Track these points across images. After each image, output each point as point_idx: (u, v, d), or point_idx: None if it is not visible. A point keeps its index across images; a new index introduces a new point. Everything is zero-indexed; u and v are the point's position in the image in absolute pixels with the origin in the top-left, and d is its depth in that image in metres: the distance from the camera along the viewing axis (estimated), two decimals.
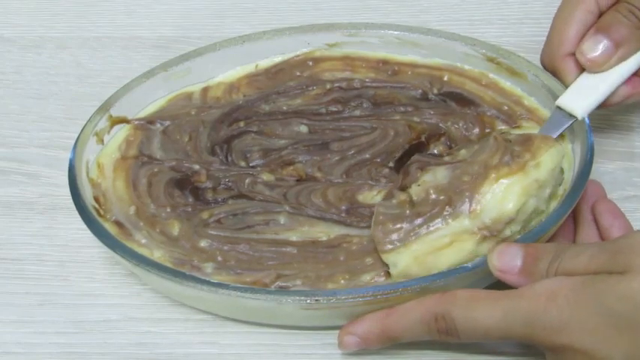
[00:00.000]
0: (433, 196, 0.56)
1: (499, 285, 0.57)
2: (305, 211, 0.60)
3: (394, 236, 0.56)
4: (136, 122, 0.66)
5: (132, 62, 0.77)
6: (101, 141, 0.64)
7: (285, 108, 0.68)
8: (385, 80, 0.69)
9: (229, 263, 0.57)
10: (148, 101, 0.67)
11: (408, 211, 0.57)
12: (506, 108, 0.66)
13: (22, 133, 0.72)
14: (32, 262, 0.61)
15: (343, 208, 0.60)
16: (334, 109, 0.67)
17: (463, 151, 0.60)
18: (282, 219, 0.59)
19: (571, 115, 0.61)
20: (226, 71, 0.70)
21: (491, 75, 0.67)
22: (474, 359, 0.56)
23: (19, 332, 0.57)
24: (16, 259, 0.62)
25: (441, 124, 0.65)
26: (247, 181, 0.62)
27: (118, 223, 0.59)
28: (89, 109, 0.65)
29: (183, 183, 0.62)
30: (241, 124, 0.66)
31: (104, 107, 0.65)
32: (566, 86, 0.62)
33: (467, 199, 0.55)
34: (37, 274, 0.61)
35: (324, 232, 0.59)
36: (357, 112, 0.67)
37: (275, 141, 0.65)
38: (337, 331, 0.55)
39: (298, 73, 0.70)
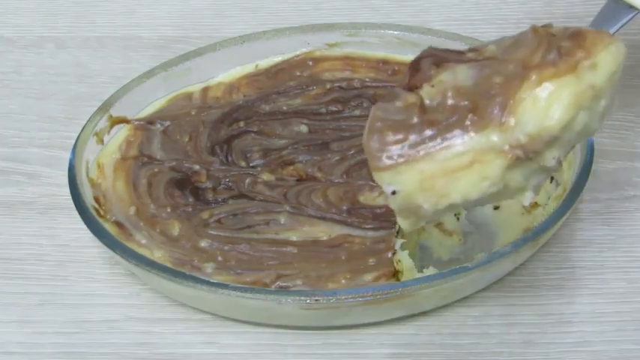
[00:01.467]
0: (452, 101, 0.46)
1: (502, 285, 0.57)
2: (305, 211, 0.60)
3: (395, 149, 0.45)
4: (136, 122, 0.66)
5: (132, 62, 0.77)
6: (101, 141, 0.64)
7: (285, 108, 0.68)
8: (385, 80, 0.69)
9: (230, 263, 0.57)
10: (148, 101, 0.67)
11: (416, 118, 0.46)
12: None
13: (22, 133, 0.72)
14: (32, 262, 0.61)
15: (344, 208, 0.60)
16: (334, 108, 0.67)
17: (492, 47, 0.49)
18: (282, 219, 0.59)
19: (631, 6, 0.53)
20: (226, 71, 0.70)
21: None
22: None
23: (19, 332, 0.57)
24: (16, 259, 0.62)
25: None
26: (247, 181, 0.62)
27: (118, 224, 0.59)
28: (89, 109, 0.65)
29: (184, 183, 0.62)
30: (241, 124, 0.66)
31: (104, 107, 0.65)
32: None
33: (497, 107, 0.44)
34: (37, 274, 0.61)
35: (324, 231, 0.59)
36: (357, 112, 0.67)
37: (275, 141, 0.65)
38: (337, 331, 0.55)
39: (298, 73, 0.70)
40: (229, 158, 0.64)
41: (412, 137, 0.45)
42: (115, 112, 0.65)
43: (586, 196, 0.62)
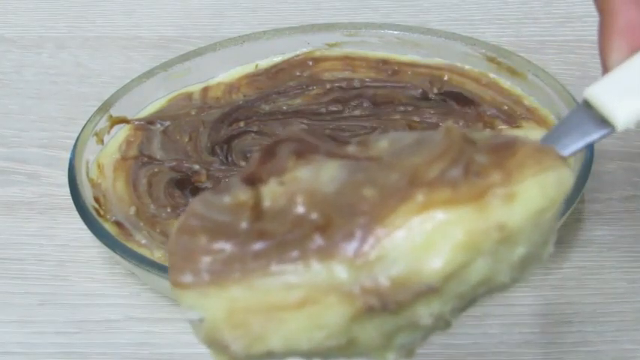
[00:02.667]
0: (300, 209, 0.33)
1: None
2: None
3: (205, 262, 0.33)
4: (136, 122, 0.66)
5: (132, 62, 0.77)
6: (101, 141, 0.64)
7: (285, 108, 0.68)
8: (385, 80, 0.69)
9: None
10: (148, 101, 0.67)
11: (244, 223, 0.34)
12: (506, 108, 0.66)
13: (22, 133, 0.72)
14: (32, 262, 0.61)
15: None
16: (334, 108, 0.67)
17: (383, 143, 0.36)
18: None
19: (604, 121, 0.37)
20: (226, 71, 0.70)
21: (491, 75, 0.67)
22: None
23: (19, 332, 0.57)
24: (16, 259, 0.62)
25: (441, 124, 0.65)
26: None
27: (118, 224, 0.59)
28: (89, 109, 0.65)
29: (184, 183, 0.62)
30: (241, 124, 0.66)
31: (104, 107, 0.65)
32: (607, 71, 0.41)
33: (358, 230, 0.32)
34: (37, 274, 0.61)
35: None
36: (357, 112, 0.67)
37: None
38: None
39: (298, 73, 0.70)
40: (229, 158, 0.64)
41: (232, 249, 0.33)
42: (115, 112, 0.65)
43: (586, 196, 0.62)
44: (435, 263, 0.32)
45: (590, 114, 0.38)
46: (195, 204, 0.35)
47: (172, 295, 0.35)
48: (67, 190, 0.59)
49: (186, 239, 0.34)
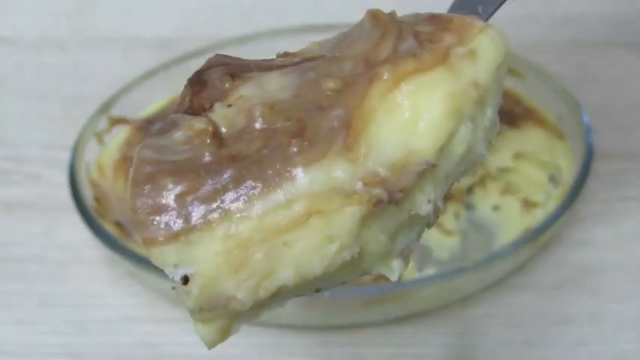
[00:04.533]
0: (262, 123, 0.30)
1: (502, 285, 0.57)
2: None
3: (179, 207, 0.30)
4: (136, 123, 0.66)
5: (132, 62, 0.77)
6: (101, 141, 0.64)
7: None
8: None
9: None
10: (148, 101, 0.67)
11: (208, 155, 0.30)
12: (506, 108, 0.66)
13: (22, 133, 0.72)
14: (32, 262, 0.61)
15: None
16: None
17: (313, 46, 0.35)
18: None
19: None
20: None
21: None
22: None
23: (19, 332, 0.57)
24: (16, 259, 0.62)
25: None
26: None
27: (119, 224, 0.59)
28: (89, 109, 0.65)
29: None
30: None
31: (104, 107, 0.65)
32: None
33: (337, 124, 0.30)
34: (37, 274, 0.61)
35: None
36: None
37: None
38: (337, 331, 0.55)
39: None
40: None
41: (206, 185, 0.29)
42: (115, 112, 0.65)
43: (586, 196, 0.62)
44: (428, 136, 0.31)
45: None
46: (142, 151, 0.31)
47: (151, 258, 0.30)
48: (67, 190, 0.59)
49: (149, 189, 0.30)
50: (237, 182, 0.30)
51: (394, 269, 0.32)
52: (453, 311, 0.56)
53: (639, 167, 0.66)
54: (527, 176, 0.61)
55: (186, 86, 0.33)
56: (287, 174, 0.29)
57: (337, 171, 0.30)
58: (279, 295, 0.31)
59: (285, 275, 0.30)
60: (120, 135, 0.65)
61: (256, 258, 0.29)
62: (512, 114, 0.65)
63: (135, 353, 0.56)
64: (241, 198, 0.29)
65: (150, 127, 0.66)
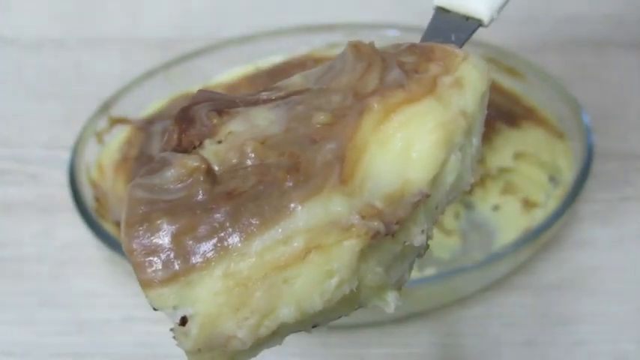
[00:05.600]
0: (254, 159, 0.30)
1: (502, 285, 0.57)
2: None
3: (175, 246, 0.29)
4: (136, 123, 0.66)
5: (132, 62, 0.77)
6: (101, 141, 0.64)
7: None
8: None
9: None
10: (148, 101, 0.67)
11: (202, 193, 0.30)
12: (506, 108, 0.66)
13: (22, 133, 0.72)
14: (32, 262, 0.61)
15: None
16: None
17: (296, 78, 0.35)
18: None
19: (468, 18, 0.39)
20: (226, 71, 0.70)
21: (491, 75, 0.67)
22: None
23: (19, 332, 0.57)
24: (16, 259, 0.62)
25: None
26: None
27: (119, 224, 0.59)
28: (89, 109, 0.65)
29: None
30: None
31: (104, 107, 0.65)
32: None
33: (331, 158, 0.30)
34: (37, 274, 0.61)
35: None
36: None
37: None
38: (337, 331, 0.55)
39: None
40: None
41: (203, 223, 0.29)
42: (115, 112, 0.65)
43: (586, 196, 0.62)
44: (421, 166, 0.31)
45: (452, 17, 0.38)
46: (134, 192, 0.30)
47: (149, 300, 0.30)
48: (67, 190, 0.59)
49: (144, 230, 0.29)
50: (234, 219, 0.29)
51: (389, 301, 0.32)
52: (453, 311, 0.56)
53: (639, 167, 0.66)
54: (527, 176, 0.61)
55: (172, 123, 0.32)
56: (285, 210, 0.29)
57: (334, 205, 0.29)
58: (278, 333, 0.31)
59: (286, 312, 0.30)
60: (120, 135, 0.65)
61: (257, 296, 0.29)
62: (512, 114, 0.65)
63: (135, 353, 0.56)
64: (239, 235, 0.29)
65: (150, 127, 0.66)
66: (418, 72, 0.32)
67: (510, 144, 0.63)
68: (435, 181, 0.31)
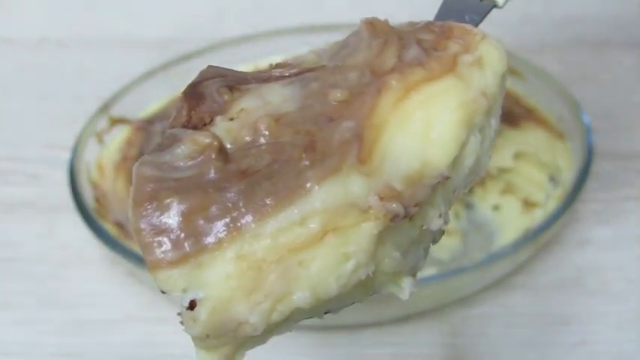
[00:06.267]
0: (268, 137, 0.29)
1: (502, 285, 0.57)
2: None
3: (185, 226, 0.28)
4: (137, 123, 0.66)
5: (132, 62, 0.77)
6: (101, 141, 0.64)
7: None
8: None
9: None
10: (148, 101, 0.67)
11: (214, 171, 0.29)
12: (506, 108, 0.66)
13: (22, 133, 0.72)
14: (32, 262, 0.61)
15: None
16: None
17: (311, 56, 0.34)
18: None
19: (482, 0, 0.38)
20: None
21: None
22: None
23: (19, 332, 0.57)
24: (16, 259, 0.62)
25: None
26: None
27: (119, 224, 0.59)
28: (89, 109, 0.65)
29: None
30: None
31: (104, 107, 0.65)
32: None
33: (349, 136, 0.29)
34: (37, 274, 0.61)
35: None
36: None
37: None
38: (337, 331, 0.55)
39: None
40: None
41: (215, 202, 0.28)
42: (115, 112, 0.65)
43: (586, 196, 0.62)
44: (443, 146, 0.29)
45: None
46: (141, 169, 0.29)
47: (157, 283, 0.28)
48: (67, 190, 0.59)
49: (152, 209, 0.28)
50: (248, 199, 0.28)
51: (405, 287, 0.31)
52: (453, 311, 0.56)
53: (639, 167, 0.66)
54: (527, 176, 0.61)
55: (181, 99, 0.31)
56: (300, 189, 0.28)
57: (352, 185, 0.28)
58: (291, 318, 0.29)
59: (301, 297, 0.28)
60: (120, 135, 0.65)
61: (271, 279, 0.28)
62: (512, 114, 0.65)
63: (135, 353, 0.56)
64: (253, 215, 0.28)
65: (150, 127, 0.66)
66: (437, 50, 0.31)
67: (510, 144, 0.63)
68: (455, 163, 0.30)
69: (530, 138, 0.63)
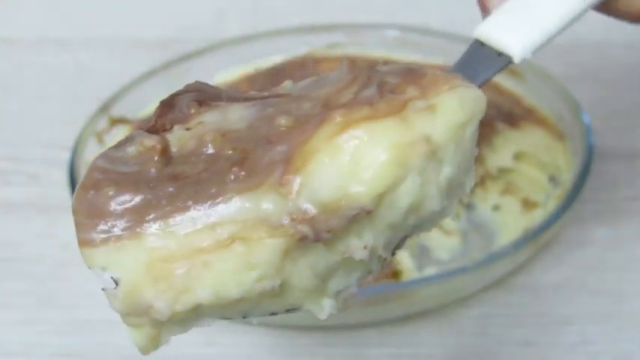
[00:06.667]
0: (211, 149, 0.32)
1: (502, 285, 0.57)
2: None
3: (116, 215, 0.31)
4: (137, 123, 0.66)
5: (132, 62, 0.77)
6: (101, 141, 0.64)
7: None
8: None
9: None
10: (148, 101, 0.67)
11: (153, 170, 0.32)
12: (506, 108, 0.66)
13: (22, 133, 0.72)
14: (32, 262, 0.61)
15: None
16: None
17: (287, 83, 0.35)
18: None
19: (501, 54, 0.38)
20: (226, 71, 0.70)
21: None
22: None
23: (19, 332, 0.57)
24: (16, 259, 0.62)
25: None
26: None
27: None
28: (89, 109, 0.65)
29: None
30: None
31: (104, 107, 0.65)
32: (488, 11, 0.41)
33: (278, 158, 0.31)
34: (37, 274, 0.61)
35: None
36: None
37: None
38: (337, 331, 0.55)
39: (298, 74, 0.70)
40: None
41: (143, 197, 0.31)
42: (115, 112, 0.65)
43: (586, 196, 0.62)
44: (366, 182, 0.31)
45: (485, 51, 0.38)
46: (97, 160, 0.33)
47: (83, 257, 0.33)
48: (67, 190, 0.59)
49: (92, 195, 0.32)
50: (171, 200, 0.31)
51: (324, 308, 0.33)
52: (453, 311, 0.56)
53: (639, 167, 0.66)
54: (527, 176, 0.61)
55: (158, 106, 0.34)
56: (219, 198, 0.31)
57: (267, 203, 0.31)
58: (201, 313, 0.32)
59: (203, 293, 0.31)
60: (120, 135, 0.65)
61: (177, 273, 0.31)
62: (512, 114, 0.65)
63: (135, 353, 0.55)
64: (172, 215, 0.31)
65: None
66: (394, 93, 0.32)
67: (510, 144, 0.63)
68: (384, 200, 0.31)
69: (530, 138, 0.63)
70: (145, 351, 0.34)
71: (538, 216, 0.58)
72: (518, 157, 0.62)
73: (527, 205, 0.60)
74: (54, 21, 0.82)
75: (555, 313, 0.55)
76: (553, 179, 0.61)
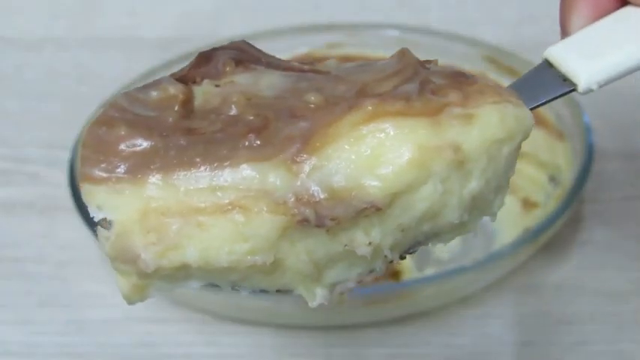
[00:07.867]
0: (234, 110, 0.31)
1: (502, 285, 0.57)
2: None
3: (121, 154, 0.31)
4: None
5: (132, 62, 0.77)
6: None
7: None
8: None
9: None
10: None
11: (170, 119, 0.31)
12: None
13: (22, 133, 0.72)
14: (32, 262, 0.61)
15: None
16: None
17: (332, 61, 0.34)
18: None
19: (566, 80, 0.36)
20: None
21: (491, 75, 0.67)
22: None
23: (19, 332, 0.57)
24: (16, 259, 0.62)
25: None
26: None
27: None
28: (89, 109, 0.65)
29: None
30: None
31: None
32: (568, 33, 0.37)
33: (298, 134, 0.30)
34: (37, 274, 0.61)
35: None
36: None
37: None
38: (337, 331, 0.55)
39: None
40: None
41: (153, 144, 0.30)
42: None
43: (586, 196, 0.62)
44: (382, 177, 0.29)
45: (552, 73, 0.36)
46: (118, 97, 0.32)
47: (81, 192, 0.31)
48: (67, 190, 0.59)
49: (104, 130, 0.31)
50: (180, 153, 0.30)
51: (316, 296, 0.32)
52: (453, 311, 0.56)
53: (639, 167, 0.66)
54: (527, 176, 0.61)
55: (195, 57, 0.34)
56: (227, 162, 0.30)
57: (275, 177, 0.30)
58: (189, 274, 0.31)
59: (191, 254, 0.30)
60: None
61: (169, 228, 0.30)
62: None
63: (135, 353, 0.56)
64: (177, 169, 0.30)
65: None
66: (435, 94, 0.31)
67: None
68: (398, 199, 0.30)
69: (530, 138, 0.63)
70: (129, 299, 0.33)
71: (538, 216, 0.58)
72: (518, 156, 0.62)
73: (527, 204, 0.60)
74: (54, 21, 0.82)
75: (555, 313, 0.55)
76: (553, 179, 0.61)
